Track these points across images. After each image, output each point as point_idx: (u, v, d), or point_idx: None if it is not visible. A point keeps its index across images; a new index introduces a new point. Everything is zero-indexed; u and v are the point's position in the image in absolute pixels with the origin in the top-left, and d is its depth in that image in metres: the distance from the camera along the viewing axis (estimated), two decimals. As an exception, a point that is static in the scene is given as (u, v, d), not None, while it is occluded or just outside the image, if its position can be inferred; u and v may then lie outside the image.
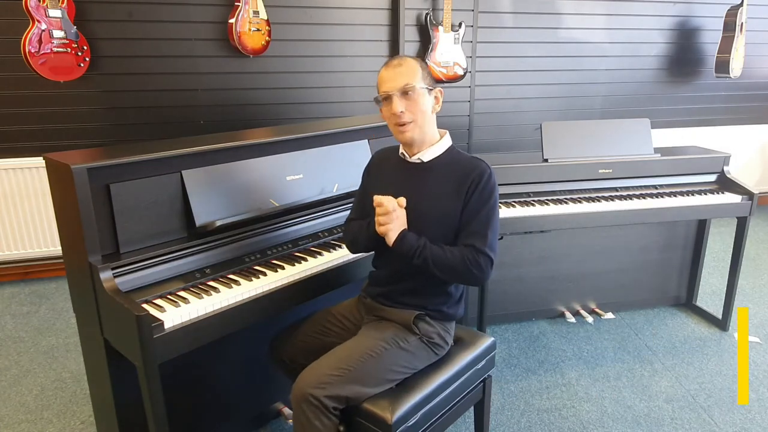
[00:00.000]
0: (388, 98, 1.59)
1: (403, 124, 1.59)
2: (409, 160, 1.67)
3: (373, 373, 1.53)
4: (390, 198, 1.57)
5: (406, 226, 1.58)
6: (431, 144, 1.65)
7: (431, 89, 1.62)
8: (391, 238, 1.56)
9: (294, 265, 1.82)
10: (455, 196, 1.59)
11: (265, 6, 3.30)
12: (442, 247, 1.56)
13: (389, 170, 1.73)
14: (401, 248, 1.56)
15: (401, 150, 1.70)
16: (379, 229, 1.57)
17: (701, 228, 3.00)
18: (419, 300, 1.65)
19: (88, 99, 3.28)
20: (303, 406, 1.44)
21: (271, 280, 1.72)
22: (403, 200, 1.59)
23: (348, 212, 1.86)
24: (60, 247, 1.76)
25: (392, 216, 1.55)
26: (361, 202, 1.80)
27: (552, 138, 2.64)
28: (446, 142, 1.68)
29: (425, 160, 1.65)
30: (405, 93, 1.57)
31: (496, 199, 1.60)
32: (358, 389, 1.50)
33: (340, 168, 2.15)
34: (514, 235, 2.74)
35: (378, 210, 1.57)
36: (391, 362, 1.56)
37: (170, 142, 1.96)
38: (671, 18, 4.25)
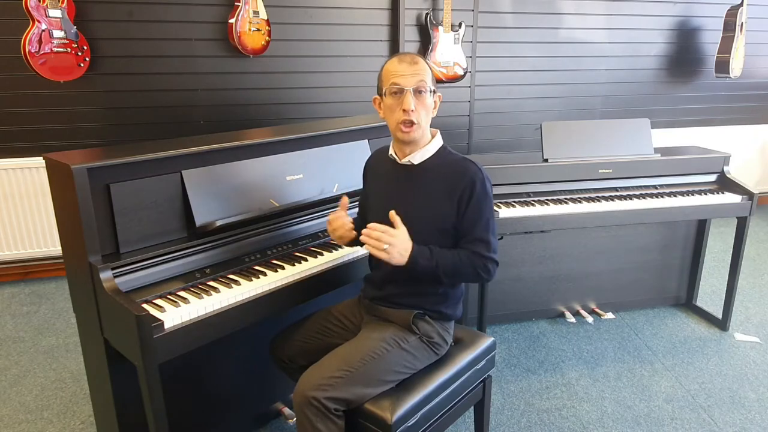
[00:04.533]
0: (399, 92, 1.54)
1: (410, 123, 1.55)
2: (399, 162, 1.65)
3: (375, 374, 1.52)
4: (376, 226, 1.50)
5: (409, 246, 1.51)
6: (423, 145, 1.63)
7: (434, 92, 1.59)
8: (399, 263, 1.50)
9: (294, 265, 1.82)
10: (446, 200, 1.57)
11: (265, 6, 3.30)
12: (453, 255, 1.55)
13: (382, 173, 1.72)
14: (414, 271, 1.53)
15: (391, 151, 1.68)
16: (379, 256, 1.49)
17: (701, 228, 3.00)
18: (417, 301, 1.64)
19: (88, 99, 3.28)
20: (305, 409, 1.43)
21: (271, 280, 1.72)
22: (393, 213, 1.53)
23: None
24: (60, 247, 1.76)
25: (386, 239, 1.47)
26: (362, 205, 1.83)
27: (552, 138, 2.64)
28: (437, 142, 1.65)
29: (416, 162, 1.63)
30: (419, 92, 1.54)
31: (492, 200, 1.60)
32: (360, 391, 1.49)
33: (340, 168, 2.15)
34: (514, 235, 2.74)
35: (368, 242, 1.49)
36: (392, 363, 1.56)
37: (170, 142, 1.96)
38: (671, 18, 4.25)
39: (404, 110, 1.53)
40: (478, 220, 1.57)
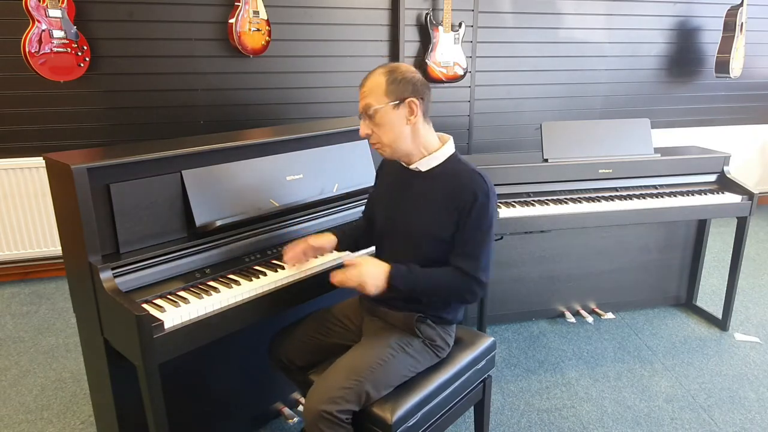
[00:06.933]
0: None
1: (374, 144, 1.59)
2: (408, 167, 1.64)
3: (383, 380, 1.53)
4: (335, 274, 1.54)
5: (380, 273, 1.51)
6: (428, 153, 1.60)
7: (399, 102, 1.51)
8: (372, 292, 1.51)
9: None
10: (447, 210, 1.54)
11: (265, 6, 3.30)
12: (432, 276, 1.54)
13: (392, 173, 1.71)
14: (393, 293, 1.54)
15: None
16: (361, 291, 1.53)
17: (701, 228, 3.00)
18: (417, 306, 1.64)
19: (88, 99, 3.28)
20: (318, 423, 1.43)
21: (271, 280, 1.72)
22: (332, 274, 1.57)
23: (348, 212, 1.86)
24: (60, 247, 1.76)
25: (353, 282, 1.51)
26: (369, 204, 1.83)
27: (552, 138, 2.64)
28: (447, 150, 1.61)
29: (423, 169, 1.61)
30: (368, 116, 1.55)
31: (492, 219, 1.55)
32: (368, 397, 1.50)
33: (340, 168, 2.15)
34: (514, 235, 2.74)
35: (345, 284, 1.54)
36: (399, 368, 1.57)
37: (170, 142, 1.96)
38: (671, 18, 4.25)
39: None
40: (472, 235, 1.53)
